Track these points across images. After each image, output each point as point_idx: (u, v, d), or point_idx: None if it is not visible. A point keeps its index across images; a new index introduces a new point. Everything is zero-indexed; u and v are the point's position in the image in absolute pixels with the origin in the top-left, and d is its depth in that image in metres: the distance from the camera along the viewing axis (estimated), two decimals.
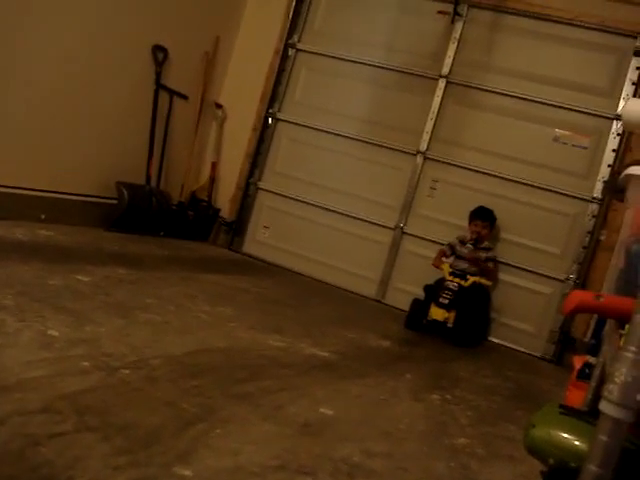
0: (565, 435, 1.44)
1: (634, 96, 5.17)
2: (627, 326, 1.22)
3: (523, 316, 5.33)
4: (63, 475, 1.63)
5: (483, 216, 5.19)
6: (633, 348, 1.07)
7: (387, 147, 5.83)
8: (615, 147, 5.20)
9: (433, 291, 4.84)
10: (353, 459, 2.19)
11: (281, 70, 6.26)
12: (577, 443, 1.40)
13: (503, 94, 5.54)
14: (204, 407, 2.27)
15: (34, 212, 4.73)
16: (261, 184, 6.30)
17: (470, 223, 5.21)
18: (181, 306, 3.59)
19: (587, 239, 5.22)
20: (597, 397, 1.13)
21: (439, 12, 5.65)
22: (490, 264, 5.17)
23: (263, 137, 6.30)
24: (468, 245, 5.14)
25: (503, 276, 5.37)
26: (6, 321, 2.57)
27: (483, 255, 5.13)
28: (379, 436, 2.49)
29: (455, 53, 5.68)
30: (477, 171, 5.54)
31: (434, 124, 5.69)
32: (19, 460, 1.64)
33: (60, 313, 2.86)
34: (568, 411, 1.53)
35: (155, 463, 1.80)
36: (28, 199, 4.70)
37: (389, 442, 2.45)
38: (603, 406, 1.09)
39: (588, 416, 1.47)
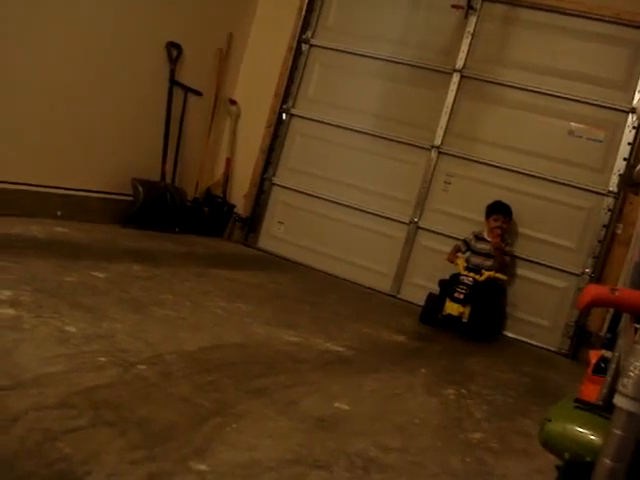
0: (580, 429, 1.43)
1: None
2: None
3: (538, 310, 5.31)
4: (80, 470, 1.64)
5: (504, 211, 5.17)
6: None
7: (401, 142, 5.82)
8: (630, 140, 5.16)
9: (448, 286, 4.83)
10: (368, 453, 2.20)
11: (295, 66, 6.25)
12: (592, 437, 1.40)
13: (517, 88, 5.51)
14: (219, 402, 2.28)
15: (50, 209, 4.76)
16: (275, 180, 6.30)
17: (488, 218, 5.18)
18: (196, 302, 3.60)
19: (603, 233, 5.19)
20: (612, 391, 1.12)
21: (453, 6, 5.62)
22: (507, 258, 5.15)
23: (277, 133, 6.30)
24: (494, 241, 5.07)
25: (518, 270, 5.35)
26: (23, 317, 2.59)
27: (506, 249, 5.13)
28: (394, 431, 2.49)
29: (469, 47, 5.64)
30: (492, 165, 5.52)
31: (448, 118, 5.67)
32: (36, 455, 1.66)
33: (76, 309, 2.88)
34: (583, 405, 1.53)
35: (171, 458, 1.82)
36: (44, 196, 4.73)
37: (404, 437, 2.46)
38: (617, 400, 1.09)
39: (603, 410, 1.46)
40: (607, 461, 1.09)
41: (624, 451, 1.08)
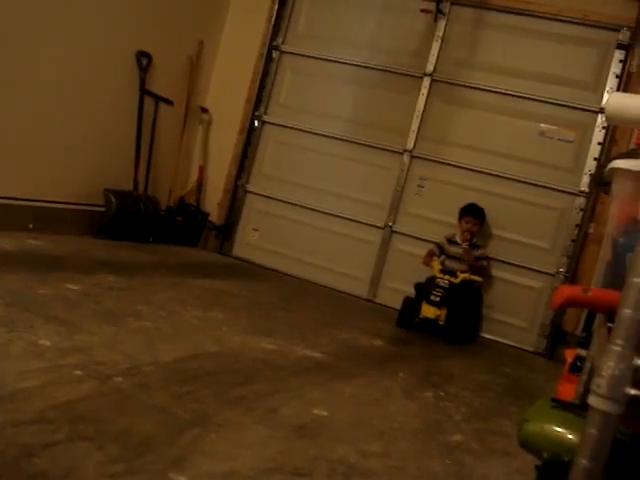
0: (558, 429, 1.44)
1: (618, 89, 5.19)
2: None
3: (514, 311, 5.34)
4: None
5: (474, 213, 5.19)
6: (620, 341, 1.08)
7: (374, 146, 5.84)
8: (601, 140, 5.22)
9: (424, 289, 4.85)
10: (349, 459, 2.19)
11: (266, 72, 6.25)
12: (570, 437, 1.40)
13: (488, 90, 5.55)
14: (198, 412, 2.27)
15: (21, 221, 4.71)
16: (249, 187, 6.29)
17: (460, 220, 5.21)
18: (172, 312, 3.58)
19: (576, 232, 5.24)
20: (588, 390, 1.13)
21: (422, 10, 5.66)
22: (484, 262, 5.17)
23: (250, 140, 6.29)
24: (464, 246, 5.12)
25: (494, 272, 5.38)
26: None
27: (475, 253, 5.14)
28: (374, 436, 2.49)
29: (439, 51, 5.69)
30: (464, 168, 5.56)
31: (420, 122, 5.70)
32: (14, 471, 1.64)
33: (51, 322, 2.85)
34: (561, 405, 1.53)
35: (150, 470, 1.80)
36: (15, 209, 4.68)
37: (384, 441, 2.46)
38: (592, 400, 1.09)
39: (580, 409, 1.47)
40: (583, 461, 1.09)
41: (600, 451, 1.09)
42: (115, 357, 2.63)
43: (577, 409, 1.50)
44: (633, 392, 1.07)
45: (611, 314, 1.22)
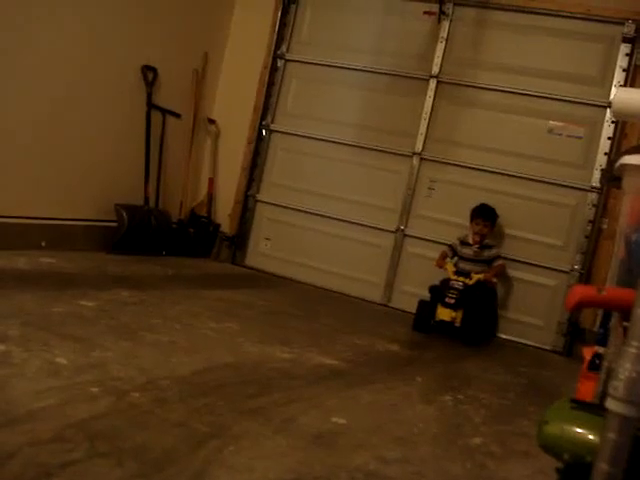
0: (578, 430, 1.42)
1: (625, 82, 5.17)
2: None
3: (530, 310, 5.32)
4: None
5: (484, 214, 5.16)
6: (635, 343, 1.06)
7: (382, 151, 5.83)
8: (610, 135, 5.20)
9: (439, 292, 4.82)
10: (368, 467, 2.18)
11: (271, 81, 6.26)
12: (591, 437, 1.38)
13: (494, 90, 5.54)
14: (215, 425, 2.26)
15: (35, 240, 4.73)
16: (259, 196, 6.30)
17: (471, 222, 5.19)
18: (187, 324, 3.58)
19: (589, 228, 5.21)
20: (607, 389, 1.11)
21: (425, 13, 5.65)
22: (500, 261, 5.13)
23: (258, 149, 6.30)
24: (474, 248, 5.10)
25: (508, 271, 5.35)
26: (12, 352, 2.56)
27: (486, 254, 5.11)
28: (393, 442, 2.48)
29: (444, 52, 5.68)
30: (474, 168, 5.54)
31: (428, 124, 5.69)
32: None
33: (66, 340, 2.85)
34: (580, 405, 1.52)
35: None
36: (28, 227, 4.70)
37: (403, 447, 2.44)
38: (609, 403, 1.08)
39: (600, 409, 1.45)
40: (603, 465, 1.08)
41: (619, 454, 1.07)
42: (131, 372, 2.63)
43: (597, 409, 1.48)
44: None
45: (627, 313, 1.21)
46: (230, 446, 2.12)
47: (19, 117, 4.57)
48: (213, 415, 2.36)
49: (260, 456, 2.10)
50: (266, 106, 6.27)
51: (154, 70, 5.59)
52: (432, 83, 5.69)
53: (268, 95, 6.26)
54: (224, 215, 6.36)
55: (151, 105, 5.61)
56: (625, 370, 1.05)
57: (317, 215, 6.03)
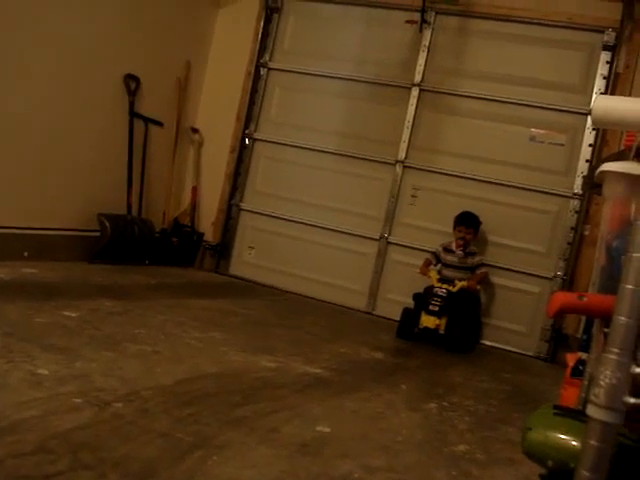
0: (562, 436, 1.42)
1: (606, 90, 5.21)
2: None
3: (514, 317, 5.34)
4: None
5: (467, 222, 5.18)
6: (616, 350, 1.06)
7: (366, 159, 5.85)
8: (591, 142, 5.24)
9: (422, 299, 4.83)
10: (353, 475, 2.17)
11: (254, 90, 6.27)
12: (574, 443, 1.39)
13: (476, 98, 5.57)
14: (199, 435, 2.25)
15: (16, 250, 4.70)
16: (243, 205, 6.29)
17: (455, 229, 5.21)
18: (170, 334, 3.56)
19: (571, 235, 5.24)
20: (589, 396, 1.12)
21: (407, 22, 5.67)
22: (484, 269, 5.16)
23: (242, 158, 6.30)
24: (458, 253, 5.12)
25: (491, 278, 5.37)
26: None
27: (470, 261, 5.13)
28: (378, 450, 2.47)
29: (426, 61, 5.71)
30: (456, 176, 5.56)
31: (410, 132, 5.71)
32: None
33: (48, 351, 2.83)
34: (563, 411, 1.52)
35: None
36: (10, 237, 4.67)
37: (388, 455, 2.44)
38: (590, 410, 1.08)
39: (583, 415, 1.46)
40: (585, 473, 1.08)
41: (601, 461, 1.08)
42: (114, 383, 2.61)
43: (580, 415, 1.49)
44: (633, 401, 1.06)
45: (608, 319, 1.21)
46: (214, 456, 2.11)
47: (0, 127, 4.54)
48: (197, 425, 2.34)
49: (245, 466, 2.09)
50: (249, 115, 6.27)
51: (137, 79, 5.57)
52: (415, 91, 5.72)
53: (251, 104, 6.26)
54: (207, 224, 6.35)
55: (134, 114, 5.60)
56: (605, 377, 1.05)
57: (301, 223, 6.03)
